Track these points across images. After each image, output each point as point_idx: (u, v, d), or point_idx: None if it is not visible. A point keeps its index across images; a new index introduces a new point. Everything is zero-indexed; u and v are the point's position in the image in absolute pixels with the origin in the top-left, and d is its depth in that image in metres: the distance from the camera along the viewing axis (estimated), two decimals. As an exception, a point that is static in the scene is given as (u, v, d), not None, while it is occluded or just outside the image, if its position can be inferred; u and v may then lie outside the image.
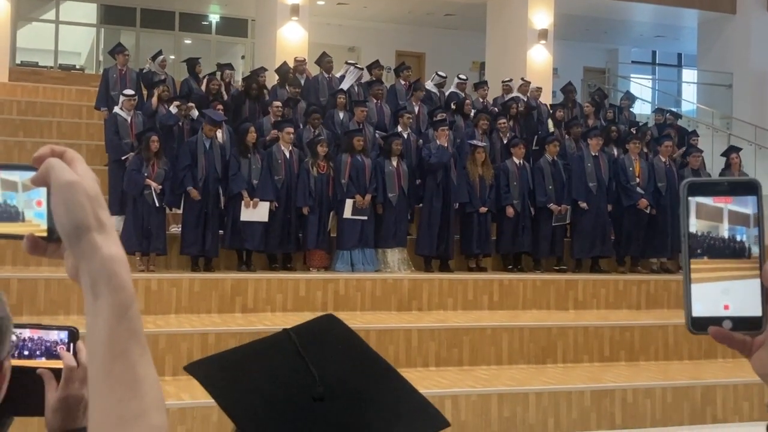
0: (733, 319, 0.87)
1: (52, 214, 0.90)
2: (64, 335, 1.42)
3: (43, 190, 0.91)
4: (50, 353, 1.42)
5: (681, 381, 8.03)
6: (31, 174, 0.91)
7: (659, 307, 10.29)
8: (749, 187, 0.88)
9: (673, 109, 15.34)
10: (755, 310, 0.87)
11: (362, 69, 12.83)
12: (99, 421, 0.85)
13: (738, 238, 0.87)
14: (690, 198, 0.88)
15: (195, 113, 10.86)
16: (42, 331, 1.43)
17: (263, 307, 9.00)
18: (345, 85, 12.22)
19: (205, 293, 8.84)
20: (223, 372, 1.14)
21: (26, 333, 1.40)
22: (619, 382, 7.91)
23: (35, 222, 0.93)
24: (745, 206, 0.88)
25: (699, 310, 0.87)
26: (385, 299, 9.37)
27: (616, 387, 7.74)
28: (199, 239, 9.34)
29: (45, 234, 0.92)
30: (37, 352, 1.41)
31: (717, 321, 0.87)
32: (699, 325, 0.87)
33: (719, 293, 0.87)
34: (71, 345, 1.42)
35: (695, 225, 0.88)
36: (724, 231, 0.88)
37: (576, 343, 8.72)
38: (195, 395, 6.46)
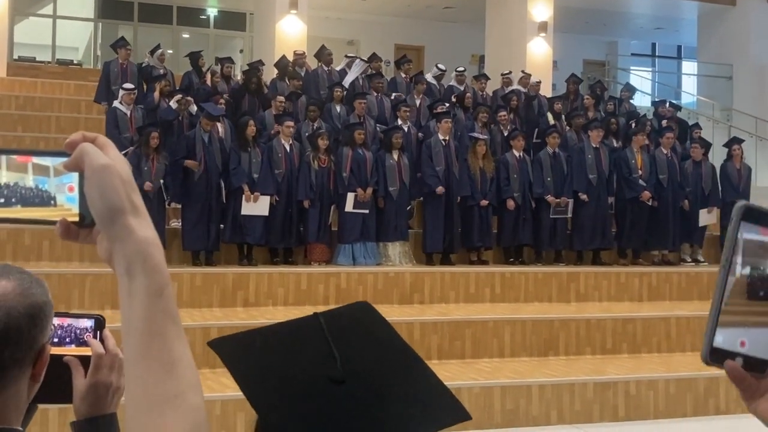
0: (745, 357, 0.83)
1: (84, 200, 0.89)
2: (90, 323, 1.43)
3: (75, 176, 0.91)
4: (79, 341, 1.42)
5: (684, 373, 8.02)
6: (63, 159, 0.90)
7: (661, 299, 10.29)
8: None
9: (673, 101, 15.32)
10: None
11: (368, 62, 12.75)
12: (136, 402, 0.84)
13: None
14: (743, 222, 0.83)
15: (194, 108, 10.83)
16: (71, 319, 1.43)
17: (265, 301, 8.99)
18: (349, 78, 12.17)
19: (206, 287, 8.84)
20: (245, 351, 1.14)
21: (55, 321, 1.40)
22: (621, 374, 7.90)
23: (67, 207, 0.92)
24: None
25: (719, 341, 0.83)
26: (386, 292, 9.36)
27: (618, 379, 7.74)
28: (201, 235, 9.32)
29: (77, 219, 0.91)
30: (67, 339, 1.42)
31: (731, 356, 0.83)
32: (715, 356, 0.84)
33: (741, 328, 0.84)
34: (97, 333, 1.42)
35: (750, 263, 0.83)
36: None
37: (578, 336, 8.72)
38: (198, 389, 6.44)
